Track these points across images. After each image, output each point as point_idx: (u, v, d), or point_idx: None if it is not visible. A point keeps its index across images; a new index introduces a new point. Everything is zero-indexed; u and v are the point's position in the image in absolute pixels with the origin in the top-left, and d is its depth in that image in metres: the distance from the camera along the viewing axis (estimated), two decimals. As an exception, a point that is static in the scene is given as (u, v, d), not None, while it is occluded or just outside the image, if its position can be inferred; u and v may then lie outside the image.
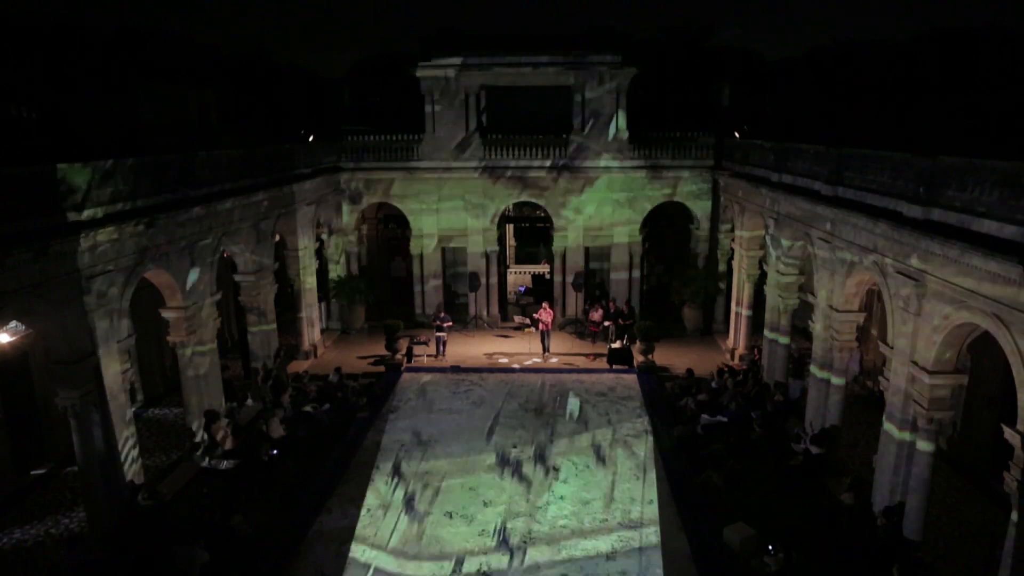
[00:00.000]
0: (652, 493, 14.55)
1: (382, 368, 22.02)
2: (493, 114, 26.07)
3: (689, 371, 20.10)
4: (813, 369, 16.32)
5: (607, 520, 13.54)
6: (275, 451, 14.95)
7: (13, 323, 13.54)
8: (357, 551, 12.58)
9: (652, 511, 13.86)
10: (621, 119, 24.92)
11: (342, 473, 15.46)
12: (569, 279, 25.88)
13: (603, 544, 12.75)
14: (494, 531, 13.17)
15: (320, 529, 13.31)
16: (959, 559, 12.08)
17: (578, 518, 13.61)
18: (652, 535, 13.05)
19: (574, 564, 12.19)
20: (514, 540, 12.88)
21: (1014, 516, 9.38)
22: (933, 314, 11.30)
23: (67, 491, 14.38)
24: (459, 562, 12.26)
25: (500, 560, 12.31)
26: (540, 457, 16.11)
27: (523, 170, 24.96)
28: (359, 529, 13.25)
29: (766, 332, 19.46)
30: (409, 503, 14.20)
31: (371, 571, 12.08)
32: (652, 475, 15.29)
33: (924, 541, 12.02)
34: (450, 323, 23.33)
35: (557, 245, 25.86)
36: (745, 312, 22.15)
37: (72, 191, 11.79)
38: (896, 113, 30.19)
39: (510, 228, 32.15)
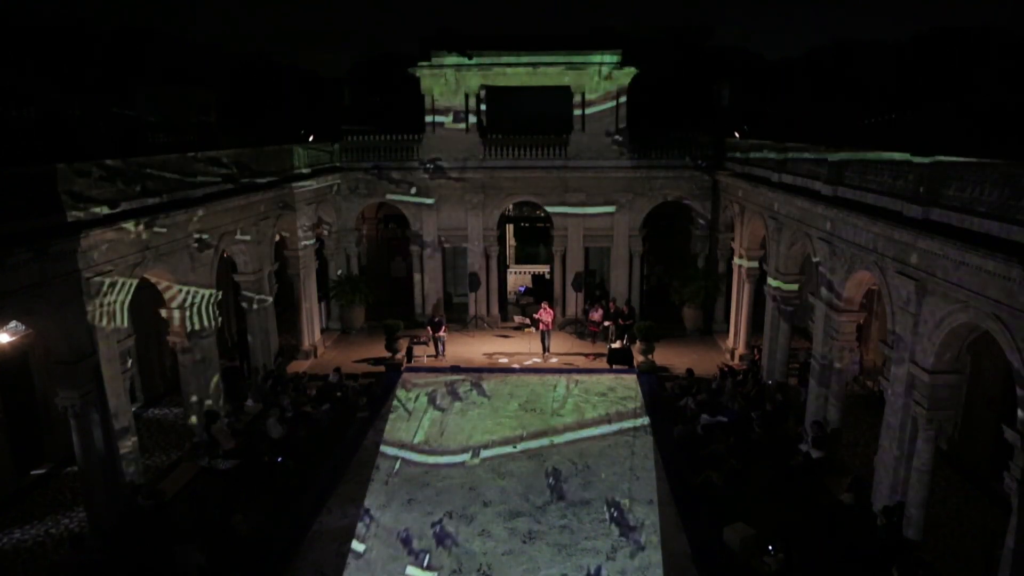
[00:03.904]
0: (652, 493, 14.55)
1: (382, 368, 22.03)
2: (493, 114, 26.07)
3: (689, 371, 20.10)
4: (813, 369, 16.30)
5: (607, 520, 13.54)
6: (280, 459, 14.90)
7: (13, 323, 13.54)
8: (357, 550, 12.58)
9: (652, 511, 13.87)
10: (621, 119, 24.92)
11: (342, 473, 15.46)
12: (569, 279, 25.88)
13: (603, 544, 12.76)
14: (495, 532, 13.17)
15: (320, 529, 13.30)
16: (959, 559, 12.08)
17: (578, 518, 13.61)
18: (652, 535, 13.05)
19: (574, 564, 12.19)
20: (514, 540, 12.88)
21: (1014, 516, 9.37)
22: (933, 314, 11.30)
23: (67, 491, 14.38)
24: (459, 561, 12.26)
25: (500, 560, 12.31)
26: (540, 457, 16.11)
27: (523, 170, 24.95)
28: (359, 529, 13.26)
29: (766, 332, 19.46)
30: (409, 503, 14.20)
31: (372, 568, 12.07)
32: (652, 475, 15.29)
33: (924, 541, 12.01)
34: (445, 327, 23.31)
35: (557, 245, 25.87)
36: (745, 312, 22.14)
37: (72, 191, 11.78)
38: (896, 113, 30.21)
39: (510, 228, 32.13)
